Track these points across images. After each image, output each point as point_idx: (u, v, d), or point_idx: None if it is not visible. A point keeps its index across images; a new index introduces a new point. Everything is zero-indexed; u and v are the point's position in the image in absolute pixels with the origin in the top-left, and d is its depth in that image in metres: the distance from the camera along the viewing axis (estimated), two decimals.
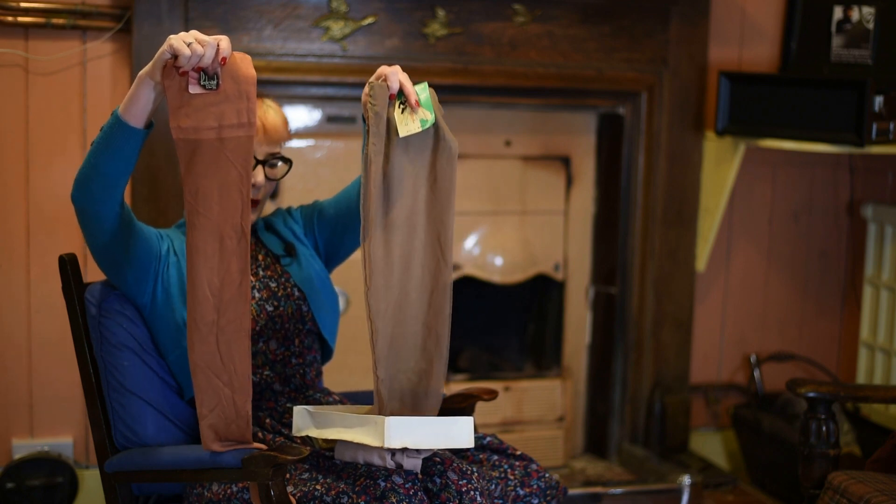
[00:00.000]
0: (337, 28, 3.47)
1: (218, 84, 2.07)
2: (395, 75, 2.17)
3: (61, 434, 3.51)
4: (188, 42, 2.03)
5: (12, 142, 3.36)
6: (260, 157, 2.41)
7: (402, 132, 2.17)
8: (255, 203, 2.46)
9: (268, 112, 2.41)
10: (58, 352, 3.40)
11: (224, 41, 2.07)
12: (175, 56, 2.04)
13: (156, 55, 2.06)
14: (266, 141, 2.40)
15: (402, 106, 2.18)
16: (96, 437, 2.38)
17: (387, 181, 2.17)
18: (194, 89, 2.07)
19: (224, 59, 2.06)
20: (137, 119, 2.11)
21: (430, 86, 2.23)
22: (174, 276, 2.37)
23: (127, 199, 3.41)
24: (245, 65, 2.10)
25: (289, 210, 2.66)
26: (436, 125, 2.20)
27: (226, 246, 2.11)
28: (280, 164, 2.46)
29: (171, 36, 2.05)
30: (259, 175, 2.42)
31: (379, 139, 2.15)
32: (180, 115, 2.07)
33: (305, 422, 2.26)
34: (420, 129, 2.18)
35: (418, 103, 2.17)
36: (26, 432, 3.48)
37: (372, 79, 2.18)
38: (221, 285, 2.11)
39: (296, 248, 2.56)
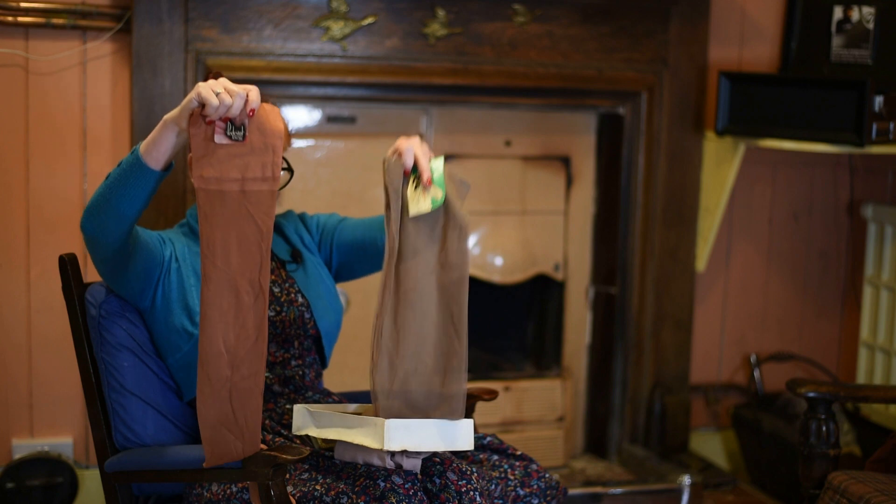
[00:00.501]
0: (337, 28, 3.47)
1: (244, 136, 2.03)
2: (410, 151, 2.14)
3: (61, 434, 3.51)
4: (217, 91, 2.00)
5: (12, 142, 3.36)
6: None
7: (412, 211, 2.14)
8: None
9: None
10: (58, 352, 3.40)
11: (253, 92, 2.04)
12: (202, 105, 2.01)
13: (183, 101, 2.03)
14: None
15: (416, 181, 2.15)
16: (96, 437, 2.38)
17: (401, 257, 2.15)
18: (220, 139, 2.02)
19: (252, 110, 2.03)
20: (157, 162, 2.09)
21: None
22: (174, 282, 2.37)
23: None
24: (273, 117, 2.07)
25: (302, 216, 2.63)
26: (446, 202, 2.16)
27: (242, 301, 2.06)
28: (281, 173, 2.42)
29: (201, 84, 2.01)
30: None
31: (396, 214, 2.14)
32: (203, 164, 2.02)
33: (305, 421, 2.26)
34: (430, 209, 2.14)
35: (430, 181, 2.14)
36: (26, 432, 3.48)
37: (389, 152, 2.15)
38: (237, 341, 2.05)
39: (302, 255, 2.55)
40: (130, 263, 2.28)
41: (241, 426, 2.08)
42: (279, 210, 2.81)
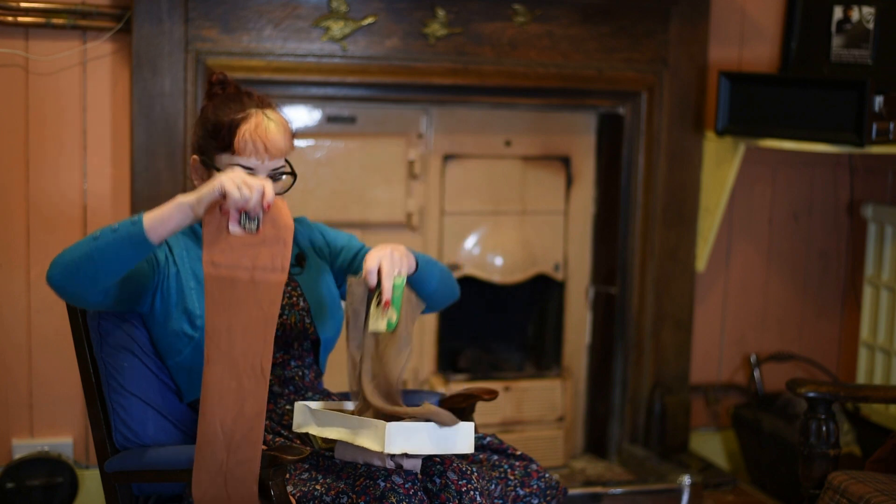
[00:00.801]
0: (337, 28, 3.47)
1: (258, 227, 2.12)
2: (374, 273, 2.24)
3: (61, 434, 3.51)
4: (238, 185, 2.08)
5: (12, 142, 3.36)
6: (262, 174, 2.34)
7: (371, 327, 2.26)
8: None
9: (269, 126, 2.33)
10: (58, 352, 3.40)
11: (269, 186, 2.11)
12: (223, 195, 2.09)
13: (202, 189, 2.10)
14: (268, 157, 2.34)
15: (377, 298, 2.27)
16: (96, 437, 2.38)
17: (362, 366, 2.27)
18: (234, 229, 2.12)
19: (268, 205, 2.12)
20: (160, 238, 2.14)
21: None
22: (173, 287, 2.36)
23: (126, 200, 3.42)
24: (285, 212, 2.16)
25: (321, 229, 2.61)
26: (398, 324, 2.27)
27: (243, 385, 2.11)
28: (284, 177, 2.42)
29: (224, 177, 2.09)
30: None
31: (357, 334, 2.26)
32: (215, 250, 2.11)
33: (306, 418, 2.26)
34: (385, 330, 2.25)
35: (388, 304, 2.24)
36: (26, 432, 3.48)
37: (364, 267, 2.26)
38: (234, 425, 2.10)
39: (307, 258, 2.54)
40: (124, 292, 2.27)
41: None
42: (292, 214, 2.80)
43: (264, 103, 2.38)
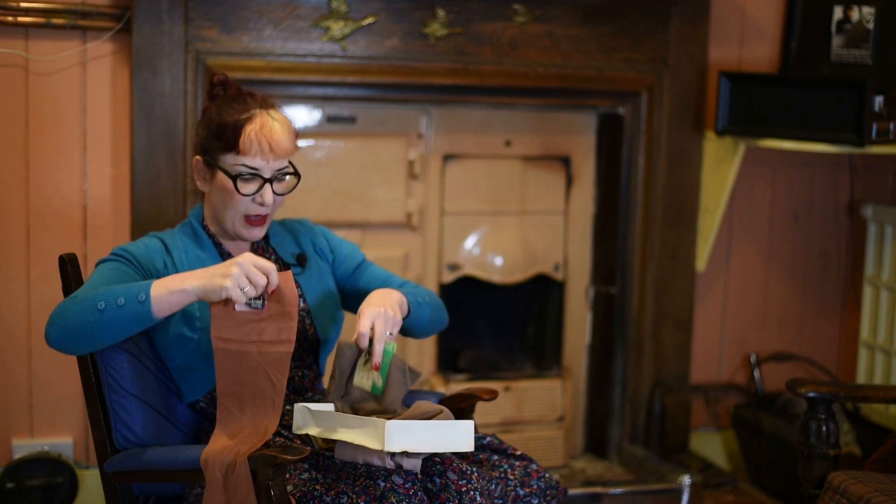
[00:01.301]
0: (337, 28, 3.47)
1: (263, 305, 2.19)
2: (366, 336, 2.28)
3: (61, 434, 3.51)
4: (243, 287, 2.14)
5: (12, 142, 3.36)
6: (267, 175, 2.35)
7: (356, 381, 2.32)
8: (264, 219, 2.42)
9: (274, 126, 2.34)
10: (58, 352, 3.39)
11: (273, 274, 2.17)
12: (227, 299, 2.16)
13: (212, 283, 2.14)
14: (273, 158, 2.34)
15: (366, 356, 2.32)
16: (96, 437, 2.38)
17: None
18: (241, 308, 2.18)
19: (272, 291, 2.19)
20: (165, 315, 2.18)
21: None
22: (194, 305, 2.36)
23: (126, 200, 3.42)
24: (289, 287, 2.21)
25: (325, 233, 2.62)
26: (384, 392, 2.32)
27: (244, 441, 2.17)
28: (288, 178, 2.42)
29: (229, 282, 2.13)
30: (267, 194, 2.36)
31: (339, 390, 2.32)
32: (223, 327, 2.18)
33: (306, 420, 2.26)
34: (368, 391, 2.31)
35: (377, 367, 2.29)
36: (26, 432, 3.48)
37: (357, 329, 2.29)
38: (230, 465, 2.16)
39: (308, 259, 2.54)
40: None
41: None
42: (292, 215, 2.81)
43: (267, 104, 2.39)
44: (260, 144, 2.31)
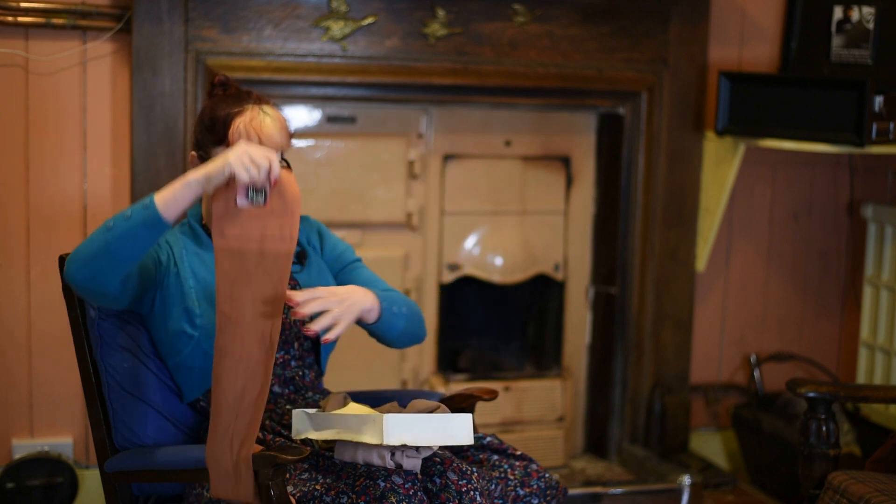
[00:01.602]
0: (337, 28, 3.47)
1: (265, 200, 2.15)
2: (302, 303, 2.22)
3: (61, 434, 3.51)
4: (246, 165, 2.11)
5: (12, 142, 3.36)
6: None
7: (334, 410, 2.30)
8: None
9: (264, 120, 2.35)
10: (58, 352, 3.40)
11: (274, 161, 2.14)
12: (230, 176, 2.12)
13: (210, 167, 2.12)
14: None
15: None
16: (96, 437, 2.38)
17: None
18: (242, 202, 2.15)
19: (275, 180, 2.15)
20: (173, 218, 2.15)
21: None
22: (173, 286, 2.36)
23: (126, 200, 3.42)
24: (292, 184, 2.18)
25: (320, 229, 2.61)
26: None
27: (252, 355, 2.15)
28: (280, 168, 2.41)
29: (231, 156, 2.11)
30: None
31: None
32: (225, 223, 2.14)
33: (304, 424, 2.26)
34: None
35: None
36: (26, 432, 3.48)
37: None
38: (243, 392, 2.15)
39: (308, 256, 2.54)
40: (123, 296, 2.26)
41: (237, 467, 2.14)
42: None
43: (262, 100, 2.39)
44: (248, 136, 2.32)
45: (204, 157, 2.36)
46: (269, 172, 2.13)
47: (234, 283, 2.14)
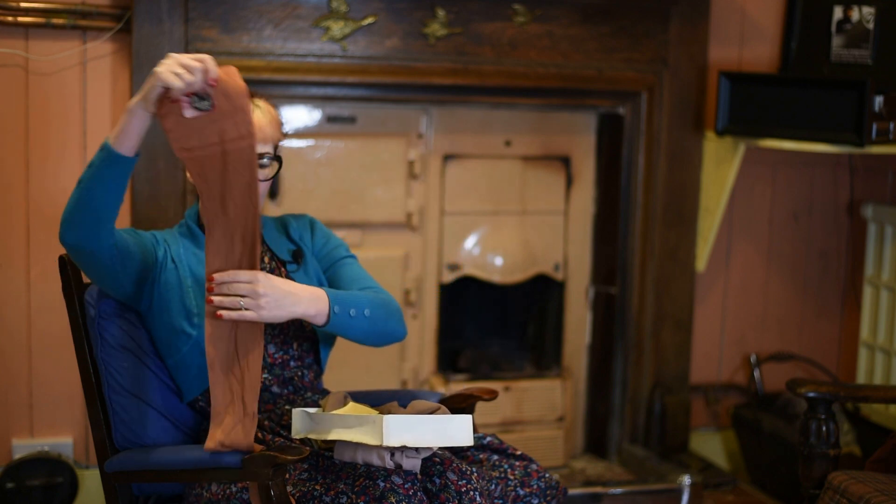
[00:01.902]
0: (337, 28, 3.47)
1: (211, 104, 2.13)
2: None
3: (61, 434, 3.51)
4: (176, 72, 2.07)
5: (12, 142, 3.36)
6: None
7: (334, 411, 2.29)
8: None
9: (254, 113, 2.35)
10: (58, 352, 3.40)
11: (209, 61, 2.10)
12: (166, 88, 2.08)
13: (145, 87, 2.09)
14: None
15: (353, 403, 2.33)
16: (96, 437, 2.38)
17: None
18: (189, 113, 2.12)
19: (214, 80, 2.11)
20: (131, 149, 2.14)
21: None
22: (172, 283, 2.36)
23: (126, 200, 3.42)
24: (234, 79, 2.15)
25: (313, 224, 2.61)
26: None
27: (236, 247, 2.18)
28: (269, 162, 2.40)
29: (157, 69, 2.08)
30: None
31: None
32: (181, 138, 2.13)
33: (304, 424, 2.26)
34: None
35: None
36: (26, 432, 3.48)
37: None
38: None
39: (304, 256, 2.54)
40: (121, 267, 2.27)
41: (242, 369, 2.17)
42: (293, 211, 2.80)
43: (254, 95, 2.39)
44: None
45: None
46: (205, 73, 2.08)
47: (212, 182, 2.16)
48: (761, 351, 4.22)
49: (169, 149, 3.31)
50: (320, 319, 2.30)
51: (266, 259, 2.49)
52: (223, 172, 2.15)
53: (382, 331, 2.42)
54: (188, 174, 2.20)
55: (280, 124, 2.42)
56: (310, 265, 2.53)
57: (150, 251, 2.35)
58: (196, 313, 2.35)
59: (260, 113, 2.37)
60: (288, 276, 2.49)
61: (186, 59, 2.09)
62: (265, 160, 2.37)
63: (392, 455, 2.16)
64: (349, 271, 2.55)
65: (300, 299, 2.26)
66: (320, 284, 2.51)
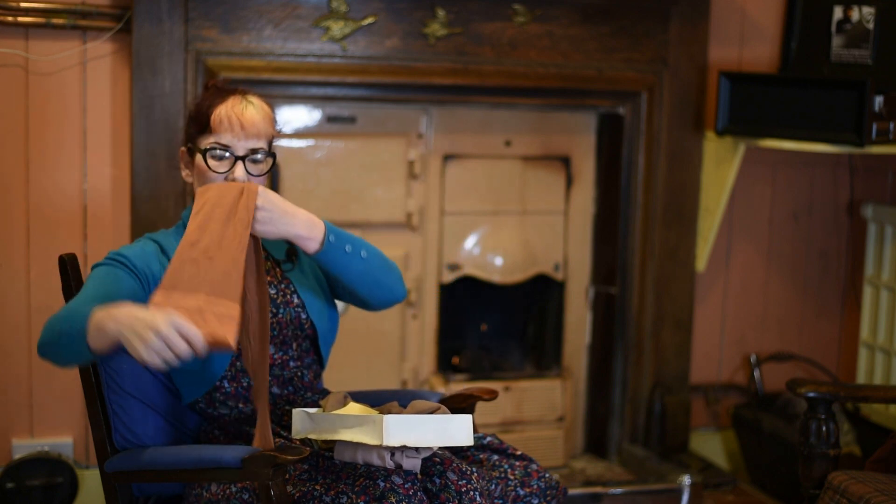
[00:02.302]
0: (337, 28, 3.47)
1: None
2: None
3: (61, 434, 3.51)
4: (163, 355, 1.96)
5: (12, 142, 3.36)
6: (239, 153, 2.34)
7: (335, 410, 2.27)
8: None
9: (247, 108, 2.34)
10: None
11: (197, 343, 1.98)
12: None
13: (131, 346, 1.96)
14: (244, 136, 2.33)
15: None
16: (96, 437, 2.38)
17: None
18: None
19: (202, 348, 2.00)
20: (102, 352, 2.07)
21: None
22: None
23: (126, 200, 3.42)
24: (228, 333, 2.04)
25: None
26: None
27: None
28: (263, 158, 2.37)
29: (144, 353, 1.94)
30: (238, 170, 2.33)
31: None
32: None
33: (305, 424, 2.26)
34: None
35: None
36: (26, 432, 3.48)
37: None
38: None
39: (298, 254, 2.54)
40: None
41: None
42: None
43: (247, 92, 2.40)
44: (230, 121, 2.32)
45: (191, 150, 2.37)
46: (190, 350, 1.97)
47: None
48: (761, 351, 4.22)
49: (168, 148, 3.33)
50: (313, 245, 2.28)
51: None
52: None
53: (378, 280, 2.40)
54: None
55: (273, 121, 2.41)
56: (303, 263, 2.53)
57: (133, 289, 2.30)
58: None
59: (253, 109, 2.36)
60: (283, 277, 2.49)
61: (175, 340, 1.95)
62: (259, 156, 2.36)
63: (392, 455, 2.16)
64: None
65: (296, 220, 2.25)
66: (318, 283, 2.51)
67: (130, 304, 2.04)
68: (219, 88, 2.42)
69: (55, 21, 3.30)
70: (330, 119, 3.68)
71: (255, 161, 2.35)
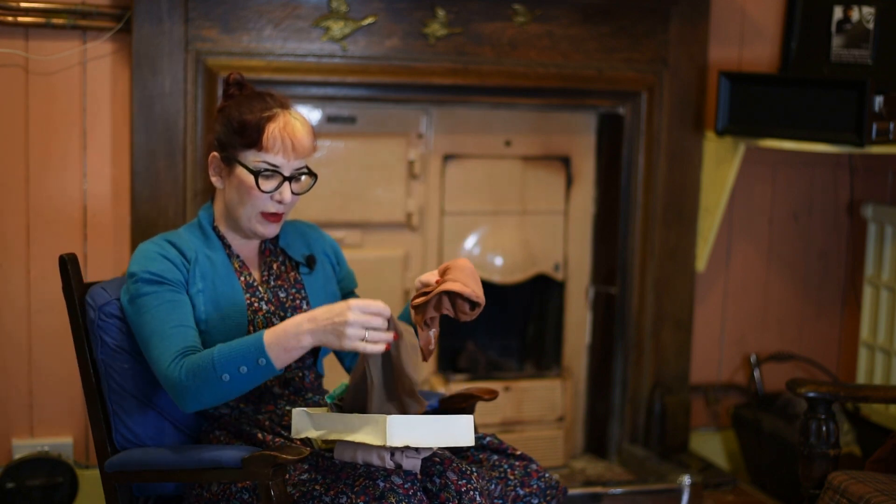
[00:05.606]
0: (337, 28, 3.47)
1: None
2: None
3: (61, 434, 3.51)
4: (363, 337, 2.12)
5: (12, 142, 3.36)
6: (287, 174, 2.36)
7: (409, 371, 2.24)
8: (280, 216, 2.42)
9: (296, 126, 2.36)
10: (58, 352, 3.40)
11: (386, 310, 2.14)
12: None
13: (328, 342, 2.13)
14: (294, 157, 2.36)
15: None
16: (96, 437, 2.38)
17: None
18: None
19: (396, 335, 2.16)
20: (284, 365, 2.19)
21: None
22: (199, 307, 2.36)
23: (126, 200, 3.42)
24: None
25: (336, 248, 2.63)
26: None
27: None
28: (305, 177, 2.42)
29: (347, 343, 2.11)
30: (286, 192, 2.37)
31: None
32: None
33: (305, 424, 2.26)
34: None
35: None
36: (26, 432, 3.48)
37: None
38: None
39: (317, 262, 2.55)
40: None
41: None
42: (294, 214, 2.80)
43: (286, 104, 2.40)
44: (283, 142, 2.33)
45: (229, 159, 2.37)
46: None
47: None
48: (761, 351, 4.22)
49: (169, 148, 3.34)
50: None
51: (275, 265, 2.49)
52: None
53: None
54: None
55: (314, 137, 2.43)
56: (319, 273, 2.54)
57: (188, 304, 2.35)
58: (203, 319, 2.34)
59: (301, 127, 2.37)
60: (296, 281, 2.50)
61: (368, 317, 2.11)
62: (303, 177, 2.39)
63: (392, 455, 2.17)
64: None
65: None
66: (330, 295, 2.54)
67: (308, 315, 2.16)
68: (247, 95, 2.41)
69: (55, 21, 3.30)
70: (330, 119, 3.68)
71: (298, 180, 2.38)
